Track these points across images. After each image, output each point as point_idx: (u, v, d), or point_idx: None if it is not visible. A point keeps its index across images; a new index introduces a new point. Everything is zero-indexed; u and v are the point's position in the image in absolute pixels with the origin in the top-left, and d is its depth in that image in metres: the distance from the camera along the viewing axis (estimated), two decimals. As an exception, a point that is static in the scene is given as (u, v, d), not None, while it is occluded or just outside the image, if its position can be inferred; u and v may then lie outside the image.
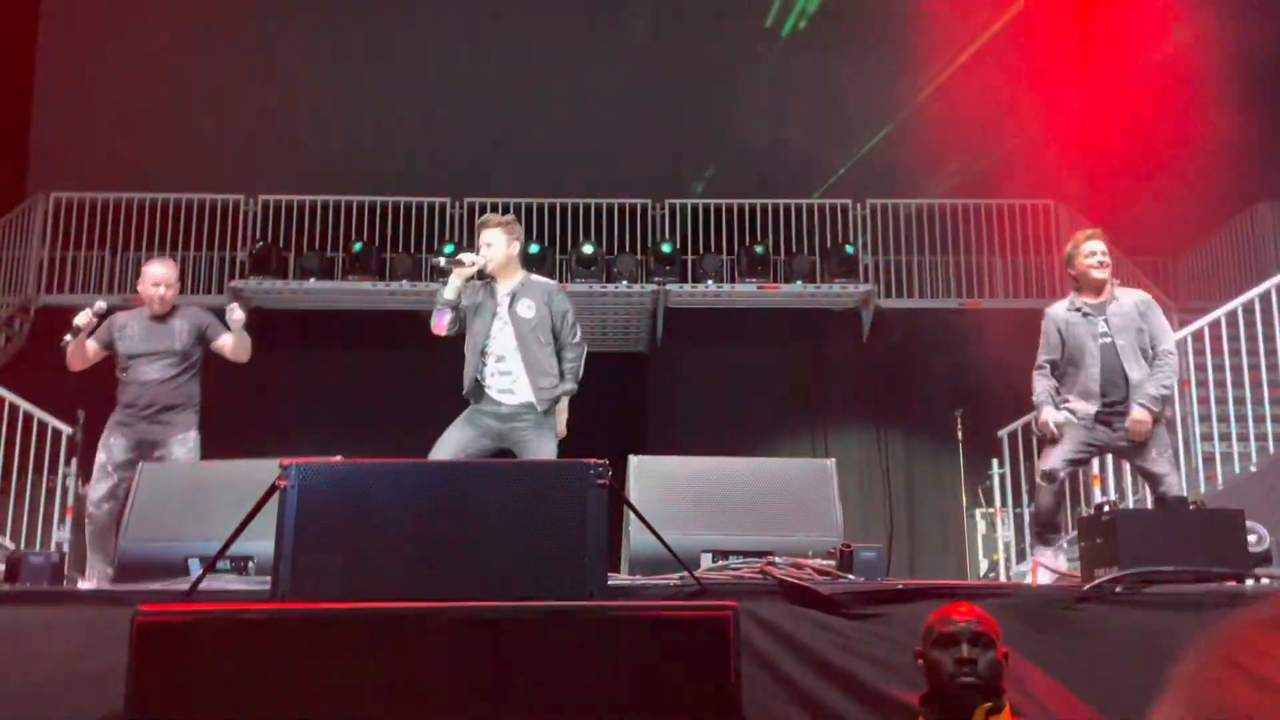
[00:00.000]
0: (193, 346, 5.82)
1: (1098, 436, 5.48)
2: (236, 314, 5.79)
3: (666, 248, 11.09)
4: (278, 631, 2.70)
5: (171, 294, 5.87)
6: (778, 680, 3.48)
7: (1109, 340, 5.44)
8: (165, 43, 12.30)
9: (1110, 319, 5.47)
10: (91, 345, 5.75)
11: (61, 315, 10.85)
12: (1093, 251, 5.53)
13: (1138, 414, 5.32)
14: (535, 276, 5.74)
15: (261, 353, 10.76)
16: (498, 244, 5.49)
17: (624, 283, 10.87)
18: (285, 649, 2.67)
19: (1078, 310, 5.53)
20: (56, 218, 11.44)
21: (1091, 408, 5.41)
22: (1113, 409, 5.41)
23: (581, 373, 5.55)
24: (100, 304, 5.77)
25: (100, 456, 5.66)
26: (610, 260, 11.14)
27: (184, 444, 5.69)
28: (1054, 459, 5.49)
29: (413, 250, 11.42)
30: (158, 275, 5.84)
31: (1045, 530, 5.62)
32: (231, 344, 5.84)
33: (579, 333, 5.55)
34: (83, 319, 5.61)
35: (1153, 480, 5.48)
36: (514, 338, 5.41)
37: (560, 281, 10.98)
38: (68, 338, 5.61)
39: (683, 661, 2.68)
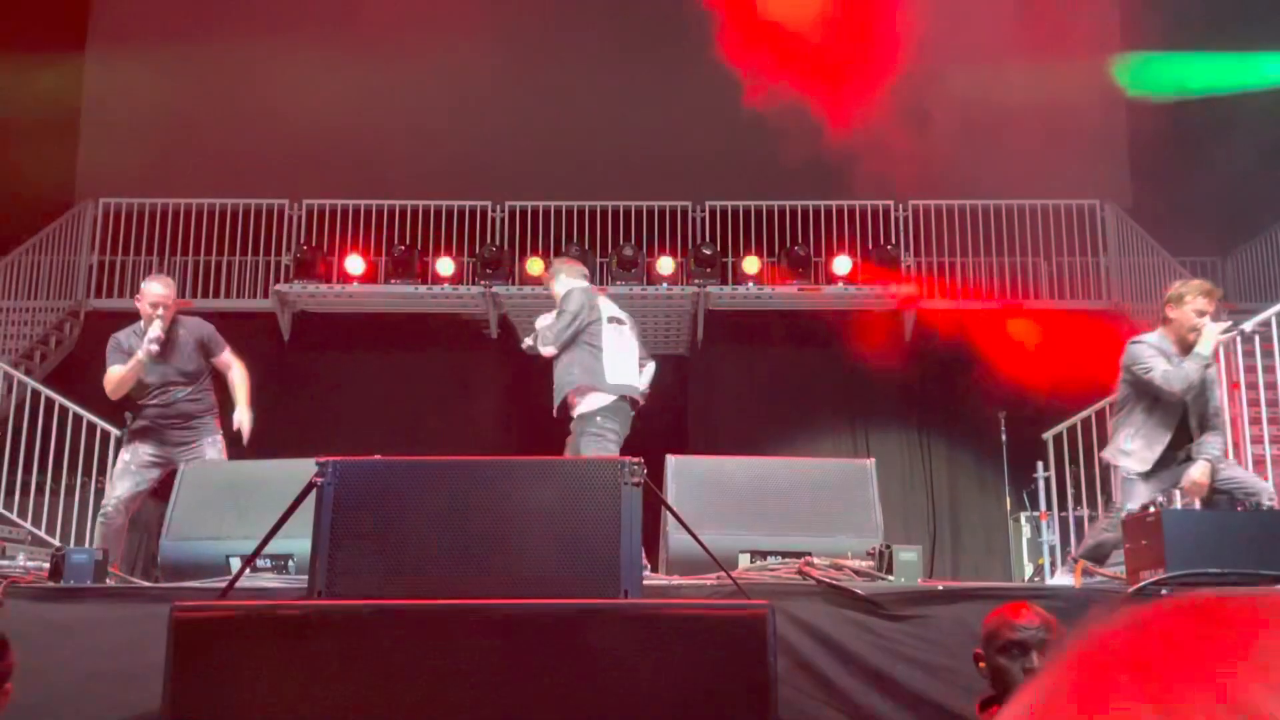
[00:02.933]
0: (200, 362, 5.82)
1: (1166, 479, 5.24)
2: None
3: (706, 249, 11.07)
4: (314, 628, 2.71)
5: (170, 314, 5.73)
6: (815, 680, 3.46)
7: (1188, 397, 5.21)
8: (211, 51, 12.46)
9: None
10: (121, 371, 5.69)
11: (110, 319, 11.08)
12: (1203, 312, 5.28)
13: (1200, 474, 5.11)
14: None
15: (305, 355, 10.94)
16: None
17: (664, 285, 10.86)
18: (321, 646, 2.68)
19: (1169, 358, 5.24)
20: (105, 223, 11.61)
21: (1151, 459, 5.20)
22: (1173, 461, 5.23)
23: (542, 343, 5.99)
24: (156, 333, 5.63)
25: (124, 455, 5.69)
26: (650, 262, 11.13)
27: (214, 445, 5.78)
28: (1140, 499, 5.17)
29: (454, 253, 11.48)
30: (157, 295, 5.67)
31: (1092, 561, 5.40)
32: (235, 374, 5.90)
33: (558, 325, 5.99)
34: (155, 332, 5.58)
35: (1234, 486, 5.22)
36: None
37: (600, 284, 11.04)
38: (140, 356, 5.57)
39: (718, 660, 2.66)
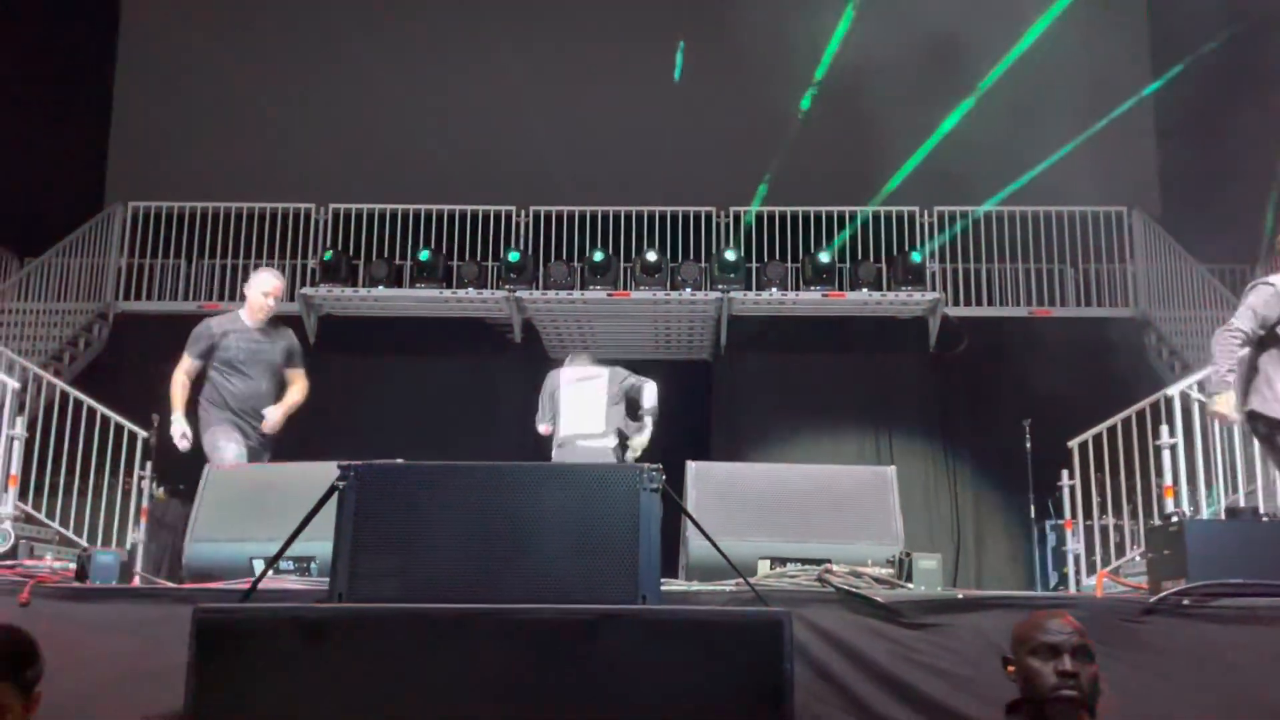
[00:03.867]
0: (284, 364, 6.21)
1: None
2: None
3: (730, 255, 11.05)
4: (334, 631, 2.73)
5: (275, 306, 6.16)
6: (834, 688, 3.46)
7: None
8: (238, 57, 12.57)
9: None
10: (192, 363, 6.01)
11: (139, 321, 11.20)
12: None
13: None
14: None
15: (330, 358, 10.99)
16: None
17: (688, 290, 10.85)
18: (342, 649, 2.70)
19: None
20: (134, 226, 11.74)
21: None
22: None
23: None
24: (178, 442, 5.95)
25: (231, 449, 5.82)
26: (674, 268, 11.13)
27: (268, 448, 6.11)
28: None
29: (479, 258, 11.52)
30: (271, 285, 6.11)
31: None
32: (294, 396, 6.22)
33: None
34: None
35: None
36: None
37: (624, 289, 11.07)
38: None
39: (735, 667, 2.66)
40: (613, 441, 7.55)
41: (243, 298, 6.31)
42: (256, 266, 11.26)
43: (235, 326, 6.10)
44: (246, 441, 5.93)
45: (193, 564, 4.41)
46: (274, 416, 6.06)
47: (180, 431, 5.89)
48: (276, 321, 6.28)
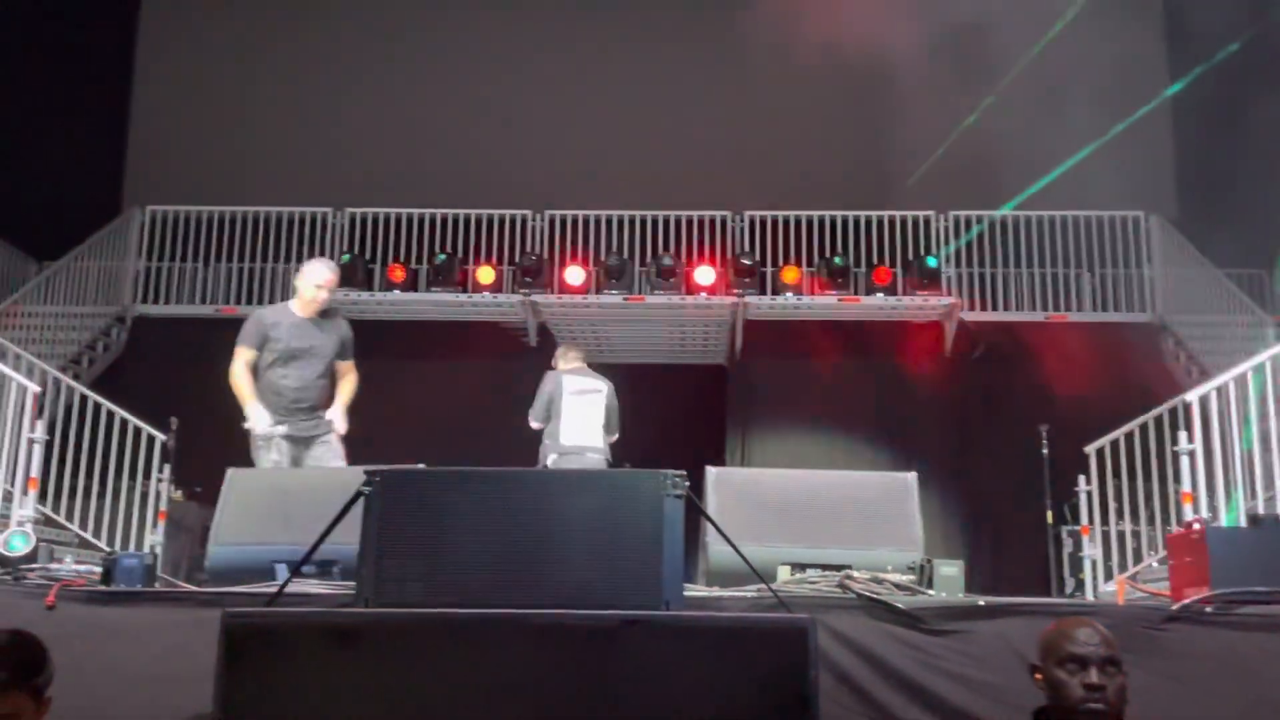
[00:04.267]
0: (335, 356, 6.07)
1: None
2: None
3: (746, 259, 11.05)
4: (361, 636, 2.75)
5: (329, 297, 6.05)
6: (856, 694, 3.46)
7: None
8: (255, 62, 12.63)
9: None
10: (249, 354, 5.88)
11: (156, 324, 11.25)
12: None
13: None
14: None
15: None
16: None
17: (703, 295, 10.85)
18: (368, 653, 2.72)
19: None
20: (152, 230, 11.79)
21: None
22: None
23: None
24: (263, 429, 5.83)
25: (273, 456, 5.75)
26: (689, 272, 11.12)
27: (326, 444, 5.93)
28: None
29: (494, 262, 11.54)
30: (324, 278, 5.98)
31: None
32: (348, 391, 6.14)
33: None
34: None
35: None
36: None
37: (639, 293, 11.08)
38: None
39: (759, 674, 2.66)
40: (604, 456, 7.69)
41: (293, 292, 6.18)
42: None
43: (286, 317, 5.97)
44: (294, 433, 5.81)
45: (215, 567, 4.43)
46: (339, 422, 5.98)
47: (263, 419, 5.76)
48: (330, 312, 6.16)
